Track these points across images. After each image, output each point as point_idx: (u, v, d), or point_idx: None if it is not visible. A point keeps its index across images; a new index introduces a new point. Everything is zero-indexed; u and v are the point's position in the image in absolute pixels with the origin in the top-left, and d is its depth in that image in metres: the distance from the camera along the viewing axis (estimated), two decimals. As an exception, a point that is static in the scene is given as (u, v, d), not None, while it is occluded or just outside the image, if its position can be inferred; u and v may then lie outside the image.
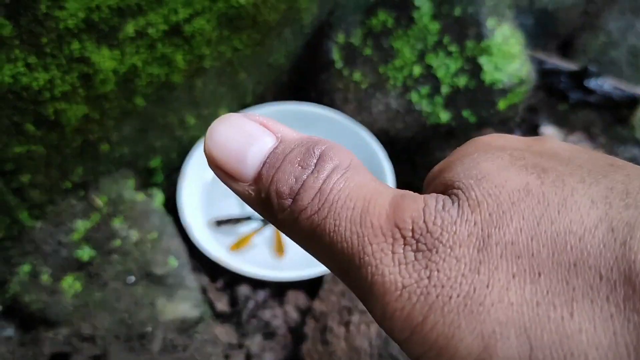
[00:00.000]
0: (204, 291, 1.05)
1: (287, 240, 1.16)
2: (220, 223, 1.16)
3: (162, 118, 1.09)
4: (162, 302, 0.98)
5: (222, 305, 1.06)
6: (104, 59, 0.89)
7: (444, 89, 1.14)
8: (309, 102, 1.26)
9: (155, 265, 0.99)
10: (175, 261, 1.00)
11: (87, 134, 0.98)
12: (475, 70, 1.10)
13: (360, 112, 1.22)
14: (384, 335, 0.79)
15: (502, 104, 1.10)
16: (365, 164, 1.13)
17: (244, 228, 1.18)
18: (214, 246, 1.11)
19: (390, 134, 1.22)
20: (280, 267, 1.13)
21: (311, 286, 1.07)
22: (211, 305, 1.05)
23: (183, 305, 0.98)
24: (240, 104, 1.24)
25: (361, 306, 0.83)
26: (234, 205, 1.22)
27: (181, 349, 0.97)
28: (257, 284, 1.11)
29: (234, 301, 1.09)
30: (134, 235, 1.01)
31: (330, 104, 1.24)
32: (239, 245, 1.15)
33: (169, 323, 0.97)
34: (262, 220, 1.19)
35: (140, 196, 1.06)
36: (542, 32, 1.31)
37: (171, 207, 1.17)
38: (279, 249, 1.14)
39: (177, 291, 0.99)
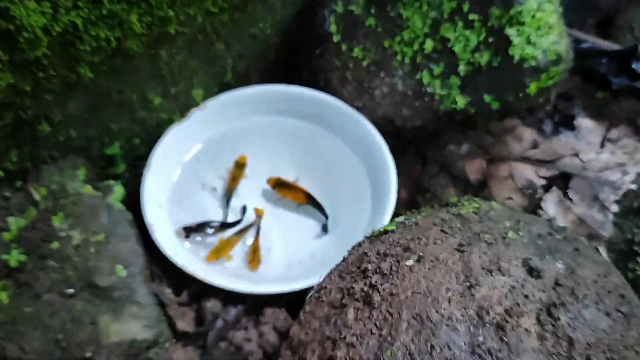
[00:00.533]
0: (163, 306, 0.86)
1: (266, 253, 0.99)
2: (189, 231, 0.96)
3: (118, 94, 0.91)
4: (105, 320, 0.80)
5: (184, 324, 0.87)
6: (29, 13, 0.70)
7: (462, 68, 0.95)
8: (300, 83, 1.09)
9: (100, 275, 0.81)
10: (123, 270, 0.81)
11: (18, 110, 0.80)
12: (501, 44, 0.91)
13: (360, 96, 1.04)
14: (377, 379, 0.60)
15: (533, 87, 0.90)
16: (364, 159, 1.05)
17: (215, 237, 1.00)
18: (180, 251, 0.94)
19: (395, 122, 1.04)
20: (257, 279, 0.95)
21: (295, 304, 0.88)
22: (171, 323, 0.86)
23: (132, 325, 0.80)
24: (218, 83, 1.06)
25: (349, 338, 0.64)
26: (209, 205, 1.05)
27: (127, 380, 0.78)
28: (229, 298, 0.92)
29: (200, 319, 0.90)
30: (75, 236, 0.83)
31: (326, 85, 1.06)
32: (218, 252, 0.96)
33: (114, 346, 0.79)
34: (243, 227, 1.00)
35: (87, 189, 0.88)
36: (579, 6, 1.11)
37: (135, 203, 0.98)
38: (253, 262, 0.96)
39: (124, 307, 0.81)
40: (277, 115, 1.09)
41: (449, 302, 0.62)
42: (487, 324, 0.60)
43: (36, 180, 0.88)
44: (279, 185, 1.02)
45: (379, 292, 0.66)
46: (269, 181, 1.02)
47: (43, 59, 0.76)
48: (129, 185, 1.02)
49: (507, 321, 0.60)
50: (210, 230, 0.98)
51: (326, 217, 1.00)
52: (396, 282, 0.66)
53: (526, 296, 0.61)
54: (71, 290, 0.80)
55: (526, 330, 0.59)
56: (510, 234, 0.69)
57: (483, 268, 0.65)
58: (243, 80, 1.09)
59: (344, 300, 0.69)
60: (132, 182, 1.03)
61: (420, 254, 0.68)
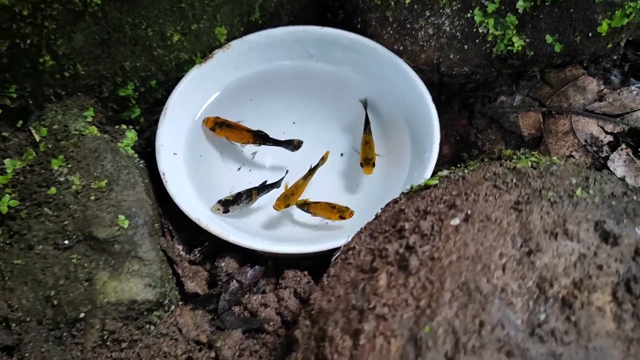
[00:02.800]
0: (171, 264, 0.77)
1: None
2: (227, 204, 0.87)
3: (131, 28, 0.83)
4: (103, 277, 0.72)
5: (194, 284, 0.79)
6: None
7: (521, 3, 0.85)
8: (336, 25, 0.99)
9: (99, 225, 0.72)
10: (125, 221, 0.72)
11: (15, 37, 0.71)
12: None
13: (401, 39, 0.95)
14: (410, 357, 0.49)
15: (604, 26, 0.79)
16: (404, 109, 0.94)
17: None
18: (194, 203, 0.86)
19: (440, 68, 0.94)
20: (279, 237, 0.88)
21: (320, 267, 0.79)
22: (179, 283, 0.77)
23: (133, 283, 0.73)
24: (244, 22, 0.97)
25: (380, 309, 0.53)
26: (228, 157, 0.97)
27: (126, 345, 0.70)
28: (246, 258, 0.85)
29: (212, 281, 0.81)
30: (75, 181, 0.74)
31: (363, 27, 0.97)
32: (287, 199, 0.87)
33: (111, 307, 0.72)
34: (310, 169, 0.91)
35: (91, 130, 0.78)
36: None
37: (151, 151, 0.92)
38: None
39: (125, 263, 0.73)
40: (309, 60, 1.01)
41: (503, 270, 0.53)
42: (551, 299, 0.50)
43: (38, 120, 0.80)
44: (219, 125, 0.93)
45: (418, 256, 0.57)
46: (205, 122, 0.94)
47: (41, -23, 0.67)
48: (145, 132, 0.96)
49: (575, 297, 0.50)
50: (246, 200, 0.88)
51: (289, 144, 0.93)
52: (438, 244, 0.57)
53: (600, 267, 0.52)
54: (67, 242, 0.71)
55: (599, 308, 0.49)
56: (579, 192, 0.59)
57: (546, 231, 0.55)
58: (273, 19, 1.00)
59: (374, 264, 0.60)
60: (148, 128, 0.96)
61: (469, 212, 0.59)
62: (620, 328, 0.48)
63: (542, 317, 0.49)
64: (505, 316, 0.49)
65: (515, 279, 0.52)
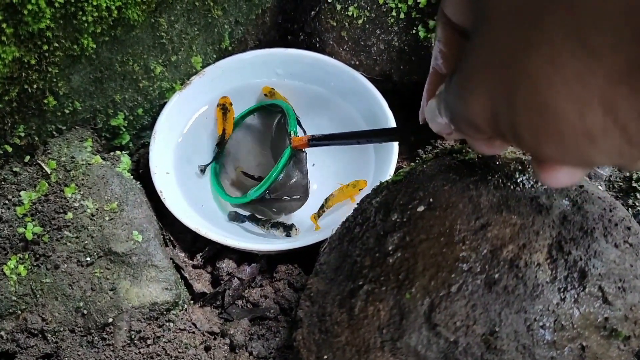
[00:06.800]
0: (178, 269, 0.88)
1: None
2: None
3: (120, 65, 0.91)
4: (125, 286, 0.81)
5: (201, 285, 0.89)
6: (32, -16, 0.70)
7: None
8: (297, 46, 1.09)
9: (116, 241, 0.82)
10: (139, 236, 0.82)
11: (24, 84, 0.80)
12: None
13: (357, 54, 1.05)
14: (397, 320, 0.62)
15: None
16: (364, 116, 0.98)
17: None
18: (191, 216, 0.94)
19: (393, 78, 1.05)
20: (269, 237, 0.97)
21: (307, 260, 0.90)
22: (188, 286, 0.88)
23: (151, 288, 0.81)
24: (216, 50, 1.06)
25: (367, 285, 0.65)
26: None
27: (151, 342, 0.80)
28: (242, 259, 0.94)
29: (215, 281, 0.92)
30: (89, 205, 0.83)
31: (322, 46, 1.07)
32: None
33: (135, 311, 0.80)
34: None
35: (96, 159, 0.88)
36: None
37: (142, 172, 1.00)
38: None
39: (143, 271, 0.82)
40: (276, 78, 1.10)
41: (463, 243, 0.63)
42: (502, 262, 0.61)
43: (44, 154, 0.89)
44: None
45: (393, 240, 0.67)
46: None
47: (47, 31, 0.76)
48: (134, 156, 1.04)
49: (520, 258, 0.61)
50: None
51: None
52: (409, 228, 0.67)
53: (537, 233, 0.63)
54: (89, 259, 0.81)
55: (539, 264, 0.61)
56: (517, 175, 0.71)
57: (493, 209, 0.66)
58: (241, 45, 1.10)
59: (357, 251, 0.70)
60: (136, 152, 1.04)
61: (431, 200, 0.69)
62: (558, 278, 0.61)
63: (497, 276, 0.61)
64: (467, 278, 0.62)
65: (473, 249, 0.62)
